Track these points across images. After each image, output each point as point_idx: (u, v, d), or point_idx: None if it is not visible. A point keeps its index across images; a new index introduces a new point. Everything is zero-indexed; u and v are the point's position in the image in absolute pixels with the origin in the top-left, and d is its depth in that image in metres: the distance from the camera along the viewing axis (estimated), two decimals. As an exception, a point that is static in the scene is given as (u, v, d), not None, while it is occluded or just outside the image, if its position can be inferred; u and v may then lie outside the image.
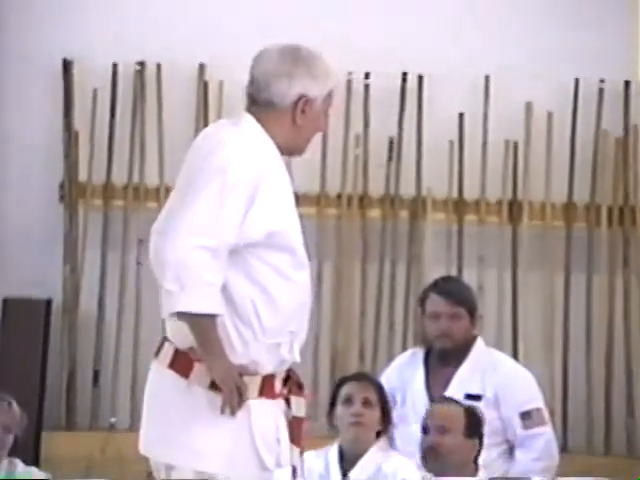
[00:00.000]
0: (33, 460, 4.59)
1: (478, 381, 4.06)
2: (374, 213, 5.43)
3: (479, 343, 4.18)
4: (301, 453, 2.84)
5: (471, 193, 5.43)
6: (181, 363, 2.73)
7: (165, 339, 2.77)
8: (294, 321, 2.77)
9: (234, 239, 2.67)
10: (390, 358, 4.72)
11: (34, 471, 3.87)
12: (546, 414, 4.09)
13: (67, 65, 5.31)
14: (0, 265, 5.24)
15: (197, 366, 2.70)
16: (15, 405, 3.79)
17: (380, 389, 3.98)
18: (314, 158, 5.40)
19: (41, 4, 5.29)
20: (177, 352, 2.73)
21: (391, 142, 5.44)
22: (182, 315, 2.66)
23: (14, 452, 3.79)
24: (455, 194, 5.42)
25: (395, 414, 4.02)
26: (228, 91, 5.36)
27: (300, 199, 5.32)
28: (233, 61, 5.31)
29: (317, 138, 2.92)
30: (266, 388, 2.74)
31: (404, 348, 4.99)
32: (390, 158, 5.44)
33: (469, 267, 5.36)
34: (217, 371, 2.68)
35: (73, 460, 4.95)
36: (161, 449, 2.72)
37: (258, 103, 2.80)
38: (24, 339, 5.02)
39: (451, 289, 4.21)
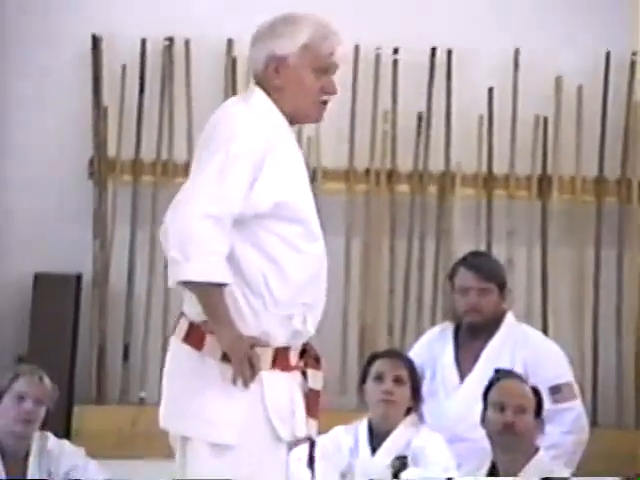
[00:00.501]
0: (64, 433, 4.62)
1: (508, 356, 4.04)
2: (403, 188, 5.42)
3: (509, 318, 4.16)
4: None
5: (500, 168, 5.40)
6: (194, 336, 2.71)
7: (182, 314, 2.76)
8: (307, 293, 2.73)
9: (239, 208, 2.64)
10: (419, 334, 4.71)
11: (66, 444, 3.90)
12: (576, 388, 4.07)
13: (96, 41, 5.31)
14: (31, 241, 5.26)
15: (209, 338, 2.69)
16: (47, 379, 3.81)
17: (411, 366, 3.97)
18: (342, 134, 5.40)
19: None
20: (191, 325, 2.72)
21: (420, 117, 5.42)
22: (188, 284, 2.64)
23: (45, 426, 3.82)
24: (484, 169, 5.40)
25: (424, 389, 4.01)
26: (256, 67, 5.36)
27: (328, 175, 5.43)
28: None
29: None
30: (279, 360, 2.72)
31: (433, 323, 4.98)
32: (419, 133, 5.43)
33: (498, 242, 5.34)
34: (225, 341, 2.66)
35: (104, 434, 4.99)
36: (177, 422, 2.72)
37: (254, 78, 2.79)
38: (55, 314, 5.05)
39: (480, 264, 4.19)
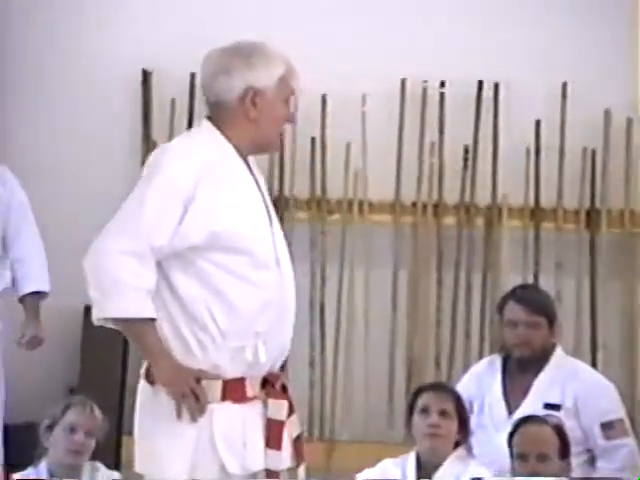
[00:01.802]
0: (113, 464, 4.64)
1: (557, 390, 4.01)
2: (449, 221, 5.42)
3: (558, 351, 4.13)
4: (299, 462, 2.76)
5: (548, 201, 5.39)
6: (149, 371, 2.70)
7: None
8: (258, 322, 2.67)
9: (162, 241, 2.60)
10: (466, 367, 4.69)
11: (115, 475, 3.92)
12: (628, 425, 4.03)
13: (146, 75, 5.38)
14: (81, 273, 5.30)
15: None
16: (97, 410, 3.84)
17: (458, 399, 3.95)
18: (389, 166, 5.41)
19: (121, 15, 5.37)
20: None
21: (466, 150, 5.42)
22: (113, 321, 2.63)
23: (95, 456, 3.84)
24: (532, 202, 5.39)
25: (472, 422, 3.99)
26: (304, 101, 5.36)
27: (375, 207, 5.44)
28: (309, 71, 5.33)
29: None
30: (231, 391, 2.66)
31: (481, 357, 4.96)
32: (465, 166, 5.43)
33: (546, 275, 5.31)
34: (161, 375, 2.64)
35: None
36: (137, 458, 2.72)
37: (210, 107, 2.75)
38: (105, 345, 5.07)
39: (529, 297, 4.18)
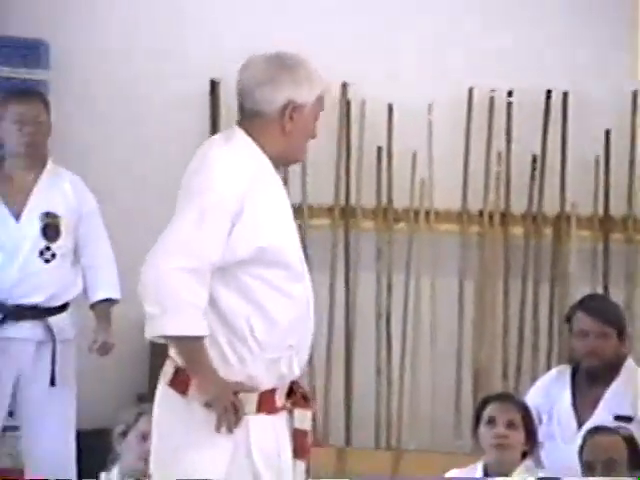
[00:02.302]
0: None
1: (628, 401, 3.98)
2: (516, 230, 5.38)
3: (629, 363, 4.09)
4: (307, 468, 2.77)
5: (617, 210, 5.33)
6: (180, 380, 2.69)
7: (168, 357, 2.75)
8: (293, 335, 2.69)
9: (217, 258, 2.61)
10: (534, 378, 4.66)
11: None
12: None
13: (214, 85, 5.42)
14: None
15: (194, 383, 2.67)
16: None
17: (525, 410, 3.92)
18: (455, 175, 5.39)
19: (189, 27, 5.41)
20: (177, 369, 2.71)
21: (534, 159, 5.39)
22: (165, 338, 2.64)
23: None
24: (601, 211, 5.34)
25: (541, 432, 3.96)
26: (370, 110, 5.40)
27: (441, 216, 5.43)
28: (375, 80, 5.35)
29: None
30: (264, 403, 2.68)
31: (548, 368, 4.92)
32: (533, 175, 5.39)
33: (616, 286, 5.26)
34: (207, 391, 2.64)
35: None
36: (164, 469, 2.71)
37: (245, 114, 2.74)
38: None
39: (599, 307, 4.14)
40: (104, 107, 5.26)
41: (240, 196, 2.64)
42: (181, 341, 2.63)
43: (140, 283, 2.63)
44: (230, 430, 2.64)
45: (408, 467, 5.15)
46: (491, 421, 3.87)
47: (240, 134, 2.72)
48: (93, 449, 3.96)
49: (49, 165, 4.11)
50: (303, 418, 2.75)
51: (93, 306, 4.14)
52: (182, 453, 2.67)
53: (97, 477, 3.84)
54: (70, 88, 5.14)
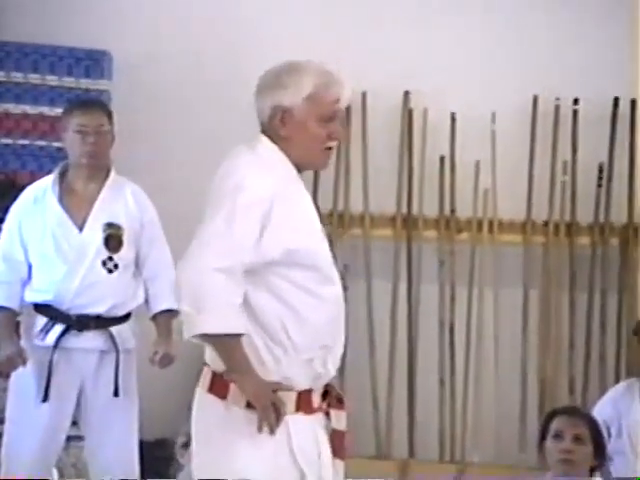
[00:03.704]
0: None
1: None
2: (583, 241, 5.30)
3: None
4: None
5: (688, 220, 5.24)
6: (218, 385, 2.70)
7: (205, 364, 2.76)
8: (326, 335, 2.72)
9: (249, 258, 2.63)
10: (602, 391, 4.58)
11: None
12: None
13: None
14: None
15: (233, 387, 2.68)
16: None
17: (592, 424, 3.84)
18: (520, 185, 5.33)
19: (242, 37, 5.39)
20: (214, 375, 2.72)
21: (601, 168, 5.30)
22: (203, 337, 2.64)
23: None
24: (672, 221, 5.25)
25: (610, 447, 3.88)
26: (432, 119, 5.35)
27: (505, 226, 5.36)
28: (438, 89, 5.31)
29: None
30: (303, 403, 2.70)
31: (617, 381, 4.84)
32: (599, 184, 5.30)
33: (686, 297, 5.17)
34: (248, 389, 2.65)
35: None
36: (207, 473, 2.70)
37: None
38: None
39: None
40: (166, 117, 5.27)
41: (269, 198, 2.66)
42: (219, 340, 2.64)
43: (175, 284, 2.66)
44: (272, 430, 2.65)
45: (472, 480, 5.10)
46: (558, 435, 3.79)
47: (265, 142, 2.74)
48: (156, 459, 3.96)
49: (112, 175, 4.12)
50: (339, 419, 2.77)
51: (154, 317, 4.14)
52: (225, 457, 2.68)
53: (160, 488, 3.83)
54: (132, 98, 5.16)
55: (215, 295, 2.61)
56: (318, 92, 2.71)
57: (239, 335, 2.64)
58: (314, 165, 2.80)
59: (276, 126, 2.71)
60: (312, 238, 2.72)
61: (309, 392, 2.72)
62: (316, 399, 2.74)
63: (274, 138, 2.73)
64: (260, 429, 2.65)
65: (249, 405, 2.67)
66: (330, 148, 2.77)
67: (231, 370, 2.67)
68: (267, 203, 2.66)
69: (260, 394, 2.66)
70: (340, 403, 2.79)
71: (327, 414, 2.77)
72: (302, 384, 2.71)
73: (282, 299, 2.68)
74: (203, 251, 2.64)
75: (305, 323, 2.69)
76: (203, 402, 2.76)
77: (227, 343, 2.64)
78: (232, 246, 2.63)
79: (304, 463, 2.69)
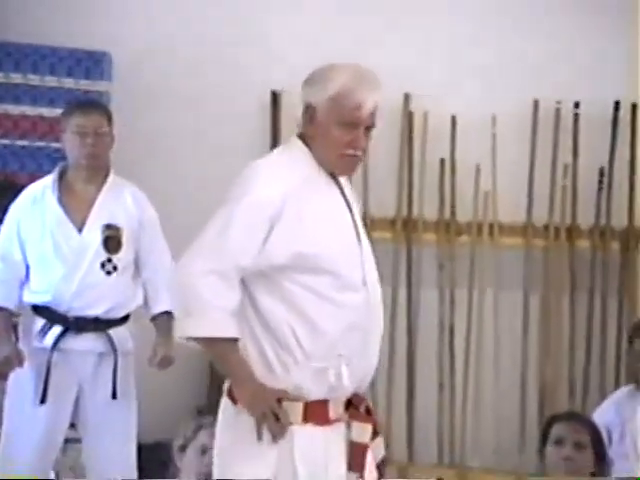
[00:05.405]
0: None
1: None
2: (583, 244, 5.29)
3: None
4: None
5: (688, 224, 5.23)
6: (232, 390, 2.68)
7: None
8: (342, 344, 2.62)
9: (247, 261, 2.58)
10: (602, 395, 4.56)
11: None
12: None
13: (275, 97, 5.39)
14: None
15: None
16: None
17: (593, 430, 3.82)
18: (520, 188, 5.32)
19: (251, 39, 5.39)
20: None
21: (602, 172, 5.29)
22: (197, 340, 2.62)
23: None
24: (672, 225, 5.24)
25: (613, 452, 3.87)
26: (433, 122, 5.34)
27: (505, 229, 5.35)
28: (438, 92, 5.30)
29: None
30: (312, 413, 2.62)
31: (617, 384, 4.83)
32: (600, 188, 5.29)
33: (686, 301, 5.16)
34: (243, 397, 2.62)
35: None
36: (218, 474, 2.68)
37: None
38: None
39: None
40: (165, 118, 5.26)
41: (280, 200, 2.60)
42: (210, 343, 2.61)
43: (171, 286, 2.65)
44: (274, 439, 2.60)
45: (471, 485, 5.09)
46: (558, 441, 3.78)
47: (294, 141, 2.70)
48: (153, 462, 3.94)
49: (111, 176, 4.10)
50: (362, 432, 2.68)
51: (154, 319, 4.12)
52: (230, 463, 2.65)
53: (158, 491, 3.82)
54: (132, 99, 5.14)
55: (202, 298, 2.57)
56: (340, 95, 2.64)
57: (230, 340, 2.59)
58: (335, 170, 2.70)
59: (305, 123, 2.67)
60: (329, 242, 2.63)
61: (323, 403, 2.64)
62: (334, 410, 2.65)
63: (305, 136, 2.68)
64: (259, 437, 2.60)
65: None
66: (355, 156, 2.66)
67: (226, 375, 2.65)
68: (275, 206, 2.59)
69: (255, 402, 2.61)
70: (367, 415, 2.70)
71: (349, 425, 2.68)
72: (314, 394, 2.63)
73: (294, 305, 2.61)
74: (196, 253, 2.61)
75: (317, 330, 2.61)
76: (223, 405, 2.73)
77: (218, 347, 2.60)
78: (226, 249, 2.59)
79: (305, 474, 2.62)
